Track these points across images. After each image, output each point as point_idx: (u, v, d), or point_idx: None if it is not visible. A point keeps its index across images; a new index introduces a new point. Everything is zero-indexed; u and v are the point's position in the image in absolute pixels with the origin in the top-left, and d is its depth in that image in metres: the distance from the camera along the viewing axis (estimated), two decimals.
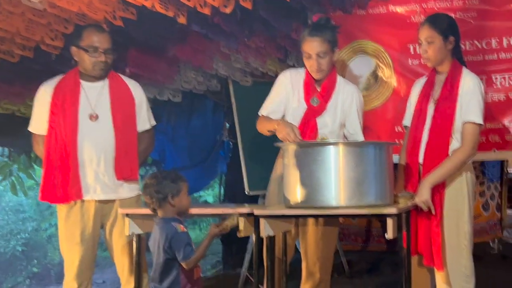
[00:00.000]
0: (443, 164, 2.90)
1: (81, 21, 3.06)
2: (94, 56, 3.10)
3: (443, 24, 2.99)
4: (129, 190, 3.23)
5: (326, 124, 3.14)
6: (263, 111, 3.24)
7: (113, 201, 3.19)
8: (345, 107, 3.20)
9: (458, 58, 3.05)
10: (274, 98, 3.24)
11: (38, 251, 9.17)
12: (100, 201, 3.17)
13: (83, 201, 3.13)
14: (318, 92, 3.18)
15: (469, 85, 2.94)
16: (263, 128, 3.22)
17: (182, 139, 5.83)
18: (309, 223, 3.23)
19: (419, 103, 3.08)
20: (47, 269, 8.53)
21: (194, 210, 2.99)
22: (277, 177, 3.25)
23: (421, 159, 3.00)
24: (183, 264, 2.63)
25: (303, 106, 3.18)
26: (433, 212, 2.91)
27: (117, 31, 3.11)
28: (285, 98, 3.21)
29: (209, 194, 10.20)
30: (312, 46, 3.08)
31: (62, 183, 3.09)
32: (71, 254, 3.16)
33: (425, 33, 2.98)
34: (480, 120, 2.92)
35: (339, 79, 3.25)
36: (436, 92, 3.04)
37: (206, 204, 8.50)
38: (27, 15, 2.86)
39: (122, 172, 3.16)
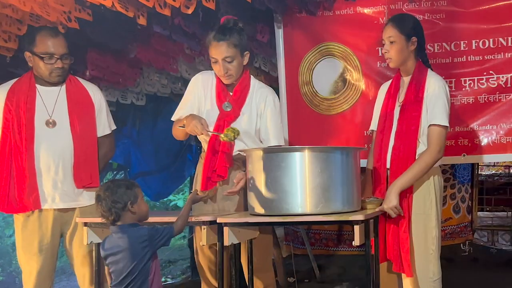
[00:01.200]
0: (410, 169, 2.86)
1: (35, 22, 2.94)
2: (50, 63, 3.01)
3: (406, 24, 2.96)
4: (89, 197, 3.14)
5: (242, 130, 3.01)
6: (174, 116, 3.16)
7: (73, 209, 3.12)
8: (259, 112, 3.10)
9: (423, 61, 3.02)
10: (185, 103, 3.15)
11: (2, 258, 8.97)
12: (59, 210, 3.09)
13: (41, 210, 3.05)
14: (231, 97, 3.10)
15: (434, 88, 2.91)
16: (176, 131, 3.13)
17: (147, 143, 5.73)
18: None
19: (385, 107, 3.05)
20: (12, 276, 8.33)
21: (157, 219, 2.90)
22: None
23: (388, 163, 2.96)
24: (176, 233, 2.65)
25: (216, 111, 3.09)
26: (401, 212, 2.86)
27: (75, 32, 2.99)
28: (197, 102, 3.12)
29: (180, 198, 10.10)
30: (218, 51, 2.97)
31: (18, 192, 3.00)
32: (29, 265, 3.08)
33: (388, 33, 2.96)
34: (446, 123, 2.89)
35: (253, 82, 3.16)
36: (402, 95, 3.01)
37: (170, 212, 8.37)
38: None
39: (82, 180, 3.09)
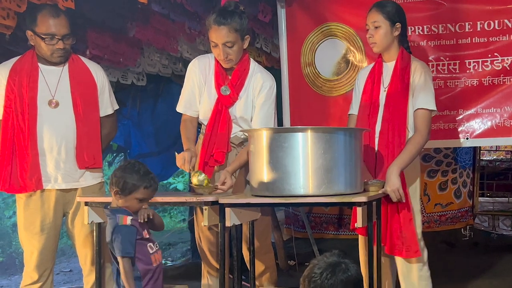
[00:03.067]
0: (404, 150, 2.90)
1: None
2: (52, 43, 2.98)
3: (390, 10, 3.01)
4: (92, 178, 3.15)
5: (237, 114, 3.01)
6: (181, 108, 3.15)
7: (75, 189, 3.11)
8: (253, 97, 3.07)
9: (405, 47, 3.06)
10: (185, 92, 3.14)
11: (2, 240, 8.98)
12: (62, 190, 3.08)
13: (43, 190, 3.04)
14: (229, 81, 3.06)
15: (420, 73, 2.97)
16: (182, 136, 3.14)
17: (148, 125, 5.70)
18: None
19: (369, 92, 3.08)
20: (12, 258, 8.34)
21: (158, 199, 2.88)
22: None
23: (376, 146, 3.00)
24: (119, 259, 2.50)
25: (214, 95, 3.07)
26: (403, 197, 2.88)
27: (75, 10, 2.93)
28: (197, 88, 3.10)
29: (179, 181, 10.09)
30: (218, 35, 2.93)
31: (21, 172, 2.99)
32: (30, 244, 3.08)
33: (373, 18, 3.01)
34: (434, 107, 2.96)
35: (253, 66, 3.12)
36: (386, 80, 3.04)
37: (171, 192, 8.37)
38: None
39: (85, 161, 3.08)
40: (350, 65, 3.69)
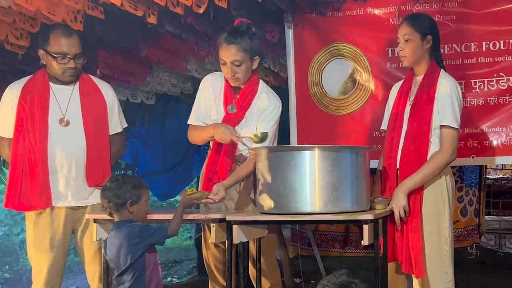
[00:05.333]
0: (421, 169, 2.84)
1: (48, 20, 2.94)
2: (63, 62, 3.02)
3: (422, 23, 2.95)
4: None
5: (243, 134, 3.01)
6: (193, 120, 3.15)
7: (84, 206, 3.13)
8: (257, 117, 3.09)
9: (437, 61, 3.01)
10: (200, 105, 3.15)
11: (10, 256, 9.01)
12: (71, 207, 3.10)
13: (53, 207, 3.06)
14: (237, 99, 3.10)
15: (446, 88, 2.89)
16: (197, 137, 3.14)
17: (156, 143, 5.73)
18: None
19: (396, 106, 3.03)
20: (19, 274, 8.38)
21: (164, 216, 2.91)
22: None
23: (398, 164, 2.94)
24: (170, 235, 2.67)
25: (222, 113, 3.10)
26: (404, 219, 2.85)
27: (87, 30, 2.99)
28: (210, 102, 3.13)
29: None
30: (227, 53, 2.98)
31: (30, 190, 3.01)
32: (39, 261, 3.09)
33: (403, 31, 2.94)
34: (455, 125, 2.87)
35: (261, 87, 3.14)
36: (413, 94, 2.99)
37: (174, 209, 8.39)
38: None
39: (94, 179, 3.10)
40: (356, 84, 3.72)
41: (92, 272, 3.18)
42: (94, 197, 3.13)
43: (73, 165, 3.05)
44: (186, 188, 2.78)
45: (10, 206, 3.05)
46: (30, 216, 3.09)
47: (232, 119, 3.07)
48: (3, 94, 3.12)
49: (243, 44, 2.97)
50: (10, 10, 2.77)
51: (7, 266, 8.57)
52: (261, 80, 3.19)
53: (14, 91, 3.08)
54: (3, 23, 2.88)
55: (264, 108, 3.08)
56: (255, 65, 3.07)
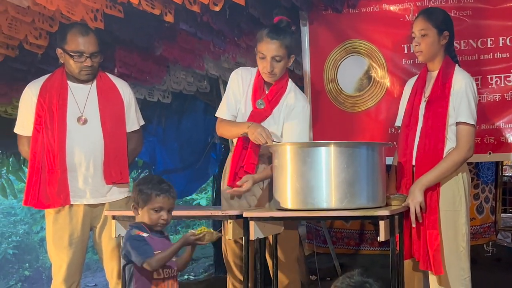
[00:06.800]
0: (437, 166, 2.83)
1: (66, 19, 2.99)
2: (80, 61, 3.04)
3: (439, 18, 2.93)
4: (119, 192, 3.19)
5: (269, 130, 3.01)
6: (223, 113, 3.17)
7: (102, 204, 3.15)
8: (286, 116, 3.11)
9: (451, 56, 3.00)
10: (229, 98, 3.17)
11: (30, 254, 9.14)
12: (89, 205, 3.13)
13: (71, 205, 3.08)
14: (265, 95, 3.12)
15: (461, 84, 2.88)
16: (227, 131, 3.16)
17: (172, 141, 5.78)
18: None
19: (411, 102, 3.02)
20: (39, 272, 8.50)
21: (183, 212, 2.95)
22: (224, 185, 3.19)
23: (414, 160, 2.93)
24: (145, 266, 2.44)
25: (250, 108, 3.12)
26: (419, 218, 2.83)
27: (105, 30, 3.03)
28: (239, 95, 3.15)
29: (202, 198, 10.15)
30: (269, 48, 3.01)
31: (49, 188, 3.04)
32: (59, 258, 3.13)
33: (419, 25, 2.92)
34: (471, 121, 2.86)
35: (290, 86, 3.18)
36: (428, 90, 2.98)
37: (196, 206, 8.44)
38: (10, 12, 2.81)
39: (112, 176, 3.12)
40: (372, 81, 3.72)
41: (111, 269, 3.21)
42: (112, 194, 3.16)
43: (91, 163, 3.08)
44: (193, 230, 2.57)
45: (30, 203, 3.09)
46: (49, 213, 3.13)
47: (259, 114, 3.09)
48: (23, 93, 3.17)
49: (285, 41, 3.02)
50: (29, 10, 2.82)
51: (27, 264, 8.70)
52: (289, 79, 3.22)
53: (33, 89, 3.12)
54: (23, 23, 2.93)
55: (292, 107, 3.11)
56: (290, 63, 3.13)
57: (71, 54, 3.02)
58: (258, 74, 3.13)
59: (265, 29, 3.05)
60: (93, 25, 2.90)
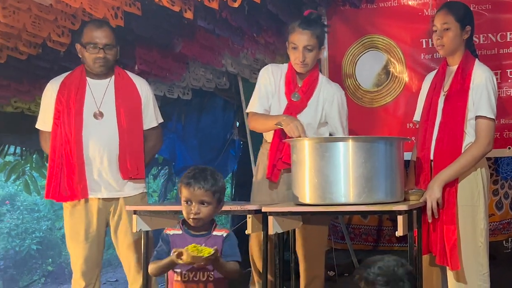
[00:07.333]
0: (456, 161, 2.81)
1: (88, 16, 3.04)
2: (93, 52, 3.08)
3: (461, 13, 2.91)
4: (134, 188, 3.21)
5: (305, 121, 3.07)
6: (255, 107, 3.19)
7: (117, 198, 3.17)
8: (326, 106, 3.18)
9: (471, 50, 2.98)
10: (261, 92, 3.20)
11: (53, 250, 9.25)
12: (104, 199, 3.15)
13: (87, 199, 3.12)
14: (299, 88, 3.16)
15: (481, 78, 2.86)
16: (260, 125, 3.18)
17: (192, 138, 5.81)
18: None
19: (430, 96, 3.01)
20: (62, 267, 8.60)
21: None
22: (257, 179, 3.25)
23: (432, 155, 2.92)
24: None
25: (284, 102, 3.15)
26: (436, 214, 2.83)
27: (125, 27, 3.07)
28: (271, 90, 3.19)
29: None
30: (301, 38, 3.08)
31: (68, 181, 3.08)
32: (76, 252, 3.17)
33: (442, 19, 2.90)
34: (491, 115, 2.84)
35: (321, 77, 3.25)
36: (447, 84, 2.96)
37: None
38: (34, 10, 2.86)
39: (128, 171, 3.14)
40: (390, 76, 3.72)
41: (128, 263, 3.23)
42: (127, 189, 3.17)
43: (105, 157, 3.10)
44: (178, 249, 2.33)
45: (51, 197, 3.13)
46: (66, 208, 3.16)
47: (295, 107, 3.14)
48: (44, 91, 3.22)
49: (316, 31, 3.09)
50: (52, 8, 2.87)
51: (50, 259, 8.82)
52: (320, 71, 3.28)
53: (53, 86, 3.17)
54: (46, 21, 2.98)
55: (332, 98, 3.18)
56: (320, 55, 3.21)
57: (86, 45, 3.07)
58: (290, 67, 3.18)
59: (296, 22, 3.12)
60: (114, 23, 2.94)
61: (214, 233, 2.48)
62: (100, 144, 3.10)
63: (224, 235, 2.47)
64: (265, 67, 3.29)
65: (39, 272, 9.23)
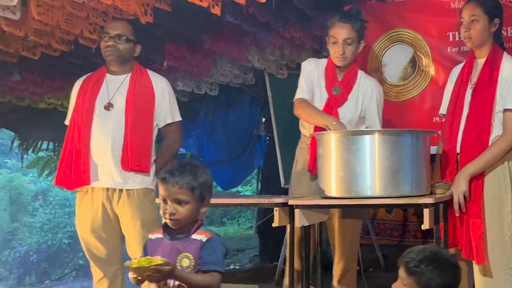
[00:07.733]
0: (483, 154, 2.79)
1: (119, 14, 3.10)
2: (105, 40, 3.13)
3: (490, 5, 2.89)
4: (138, 182, 3.15)
5: (346, 115, 3.14)
6: (302, 93, 3.20)
7: (121, 190, 3.13)
8: (365, 101, 3.22)
9: (499, 43, 2.95)
10: (307, 80, 3.23)
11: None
12: (109, 190, 3.13)
13: (93, 189, 3.13)
14: (340, 82, 3.21)
15: (509, 71, 2.82)
16: (307, 116, 3.17)
17: (219, 134, 5.86)
18: (334, 214, 3.25)
19: (457, 89, 2.98)
20: None
21: (231, 200, 3.01)
22: (297, 172, 3.29)
23: (458, 148, 2.91)
24: None
25: (325, 95, 3.20)
26: (463, 207, 2.81)
27: (154, 23, 3.11)
28: (315, 80, 3.23)
29: (247, 190, 10.23)
30: (340, 32, 3.13)
31: (75, 168, 3.10)
32: (84, 242, 3.17)
33: (471, 10, 2.88)
34: None
35: (360, 72, 3.29)
36: (474, 77, 2.94)
37: (242, 195, 8.54)
38: (67, 8, 2.92)
39: (129, 162, 3.09)
40: (416, 70, 3.72)
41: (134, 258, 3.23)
42: (130, 182, 3.12)
43: (109, 148, 3.10)
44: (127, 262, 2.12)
45: (60, 183, 3.14)
46: (77, 198, 3.19)
47: (336, 100, 3.19)
48: (73, 88, 3.30)
49: (356, 25, 3.15)
50: (84, 5, 2.93)
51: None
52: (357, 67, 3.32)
53: (79, 82, 3.26)
54: (78, 19, 3.05)
55: (371, 93, 3.22)
56: (360, 49, 3.23)
57: (102, 38, 3.13)
58: (330, 62, 3.23)
59: (336, 16, 3.18)
60: (144, 19, 2.97)
61: (193, 236, 2.11)
62: (105, 134, 3.12)
63: (204, 240, 2.09)
64: (306, 60, 3.35)
65: (70, 266, 9.40)
